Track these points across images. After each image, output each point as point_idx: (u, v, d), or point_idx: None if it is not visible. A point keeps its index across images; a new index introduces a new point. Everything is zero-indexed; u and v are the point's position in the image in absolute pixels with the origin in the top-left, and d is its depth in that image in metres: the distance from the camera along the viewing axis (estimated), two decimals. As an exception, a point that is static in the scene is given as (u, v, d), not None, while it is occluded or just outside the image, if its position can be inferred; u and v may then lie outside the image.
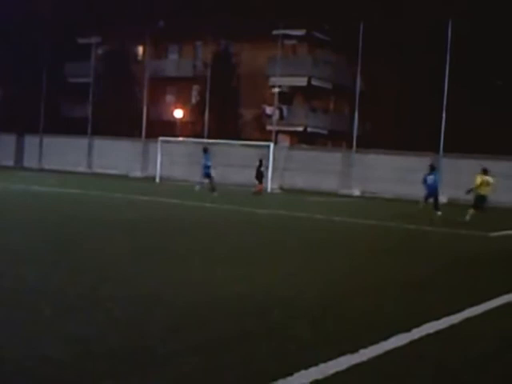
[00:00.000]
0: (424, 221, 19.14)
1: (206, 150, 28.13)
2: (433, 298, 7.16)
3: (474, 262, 10.74)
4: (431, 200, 21.52)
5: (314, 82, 46.83)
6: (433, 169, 22.04)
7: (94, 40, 48.96)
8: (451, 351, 4.99)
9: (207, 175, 27.56)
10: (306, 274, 8.26)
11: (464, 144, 33.88)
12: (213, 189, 26.44)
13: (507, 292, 7.51)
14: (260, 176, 30.48)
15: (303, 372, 4.10)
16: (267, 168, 32.57)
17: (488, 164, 32.21)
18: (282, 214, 18.47)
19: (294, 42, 47.06)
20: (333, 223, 16.90)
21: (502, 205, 30.12)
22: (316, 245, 11.82)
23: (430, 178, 21.64)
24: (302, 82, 46.20)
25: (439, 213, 20.58)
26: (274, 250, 10.58)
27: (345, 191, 35.09)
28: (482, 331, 5.76)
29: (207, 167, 27.50)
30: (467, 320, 6.01)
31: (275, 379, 3.92)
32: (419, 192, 32.88)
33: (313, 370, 4.17)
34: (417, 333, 5.34)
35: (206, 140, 39.57)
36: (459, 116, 36.80)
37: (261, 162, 31.16)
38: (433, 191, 21.37)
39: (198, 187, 27.44)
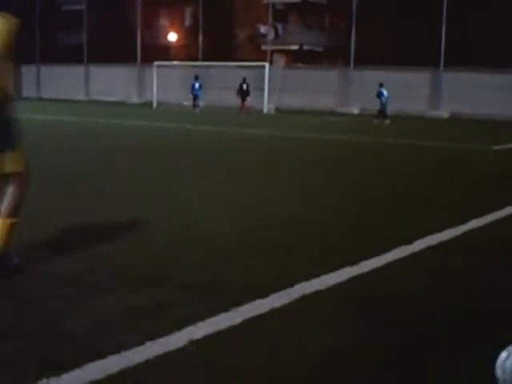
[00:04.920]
0: (423, 136, 19.03)
1: (197, 77, 32.49)
2: (436, 211, 7.11)
3: (476, 175, 10.66)
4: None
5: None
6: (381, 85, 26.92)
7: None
8: (454, 261, 4.96)
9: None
10: (299, 192, 8.22)
11: (464, 57, 33.30)
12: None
13: (511, 203, 7.43)
14: (242, 94, 31.86)
15: (304, 283, 4.08)
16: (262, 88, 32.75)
17: (487, 77, 31.87)
18: (272, 135, 18.33)
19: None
20: (331, 142, 16.76)
21: (503, 118, 29.89)
22: (315, 163, 11.77)
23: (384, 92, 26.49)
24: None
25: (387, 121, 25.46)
26: (267, 169, 10.55)
27: (343, 109, 34.76)
28: (486, 241, 5.72)
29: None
30: (470, 231, 5.96)
31: (277, 290, 3.91)
32: (419, 107, 32.80)
33: (314, 281, 4.14)
34: (418, 245, 5.30)
35: (200, 63, 38.95)
36: (460, 29, 35.97)
37: (244, 80, 32.10)
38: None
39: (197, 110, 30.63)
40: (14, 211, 4.18)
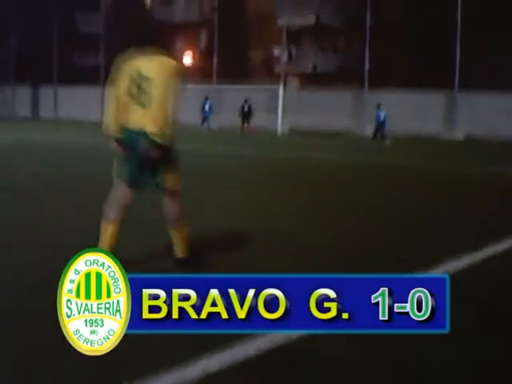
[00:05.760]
0: (438, 158, 18.93)
1: (206, 98, 33.68)
2: (450, 237, 6.91)
3: (490, 199, 10.36)
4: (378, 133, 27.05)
5: (323, 20, 45.90)
6: (379, 106, 27.59)
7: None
8: (475, 291, 4.87)
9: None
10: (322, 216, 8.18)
11: (479, 79, 33.21)
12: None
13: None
14: (244, 116, 32.38)
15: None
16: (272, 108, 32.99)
17: (503, 99, 31.70)
18: (288, 157, 18.33)
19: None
20: (345, 163, 16.72)
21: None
22: (334, 185, 11.73)
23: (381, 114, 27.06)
24: (310, 20, 45.33)
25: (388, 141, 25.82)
26: (289, 194, 10.51)
27: (357, 131, 34.75)
28: (504, 270, 5.59)
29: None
30: (487, 259, 5.78)
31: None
32: (434, 129, 32.70)
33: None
34: (436, 273, 5.20)
35: (215, 85, 39.19)
36: (475, 50, 35.93)
37: (246, 101, 32.59)
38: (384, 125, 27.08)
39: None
40: (184, 219, 5.07)
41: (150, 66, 4.84)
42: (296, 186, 10.94)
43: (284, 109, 34.15)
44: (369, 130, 34.36)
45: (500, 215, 8.48)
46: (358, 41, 44.22)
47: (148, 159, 4.75)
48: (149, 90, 4.78)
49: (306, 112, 36.49)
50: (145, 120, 4.72)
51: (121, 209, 4.94)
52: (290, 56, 45.16)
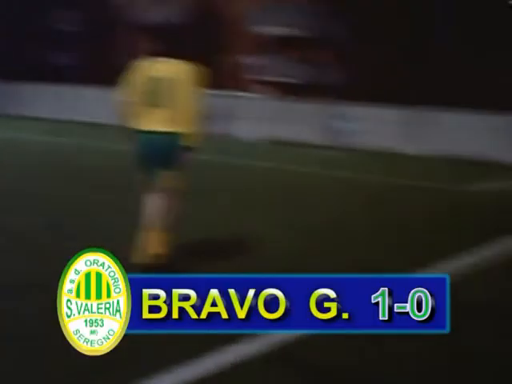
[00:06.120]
0: (400, 174, 19.01)
1: None
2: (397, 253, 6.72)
3: (440, 217, 10.05)
4: None
5: (297, 31, 46.22)
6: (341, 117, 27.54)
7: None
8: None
9: None
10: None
11: (447, 97, 33.65)
12: None
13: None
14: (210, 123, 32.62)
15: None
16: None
17: (466, 117, 32.09)
18: (257, 165, 18.36)
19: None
20: (307, 175, 16.80)
21: (480, 158, 29.87)
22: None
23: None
24: (284, 30, 45.64)
25: None
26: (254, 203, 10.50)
27: (327, 143, 34.85)
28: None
29: None
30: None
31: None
32: (396, 145, 32.97)
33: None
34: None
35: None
36: (445, 68, 36.46)
37: (211, 108, 32.86)
38: None
39: None
40: (170, 224, 4.92)
41: (171, 70, 4.97)
42: (268, 198, 10.97)
43: (256, 118, 34.20)
44: (340, 143, 34.59)
45: (466, 229, 8.35)
46: (332, 53, 44.54)
47: (173, 160, 4.85)
48: (172, 94, 4.88)
49: (278, 122, 36.55)
50: (168, 123, 4.84)
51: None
52: (262, 65, 45.39)
